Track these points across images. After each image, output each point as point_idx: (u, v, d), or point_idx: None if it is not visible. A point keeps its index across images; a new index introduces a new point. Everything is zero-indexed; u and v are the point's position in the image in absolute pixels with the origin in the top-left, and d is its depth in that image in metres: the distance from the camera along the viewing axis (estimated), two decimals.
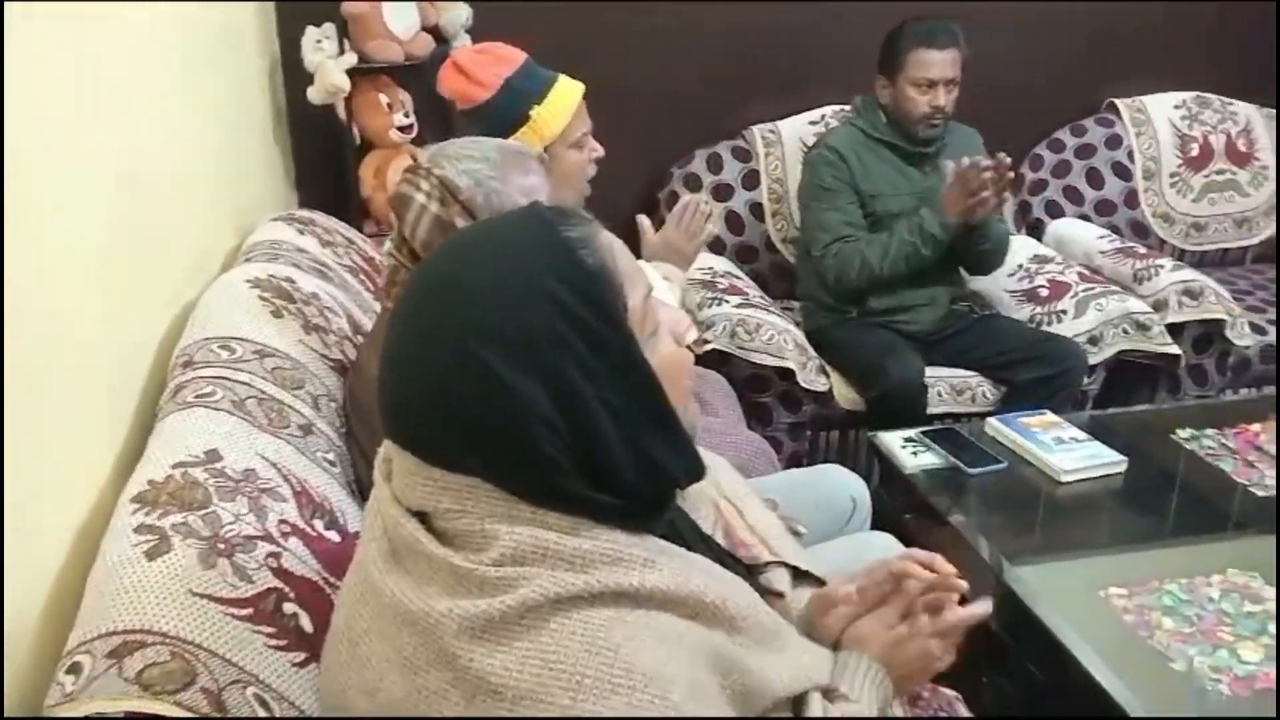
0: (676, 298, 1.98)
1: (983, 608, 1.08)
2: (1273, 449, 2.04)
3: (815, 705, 0.95)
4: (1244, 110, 3.41)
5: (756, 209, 3.06)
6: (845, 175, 2.60)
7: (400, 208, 1.44)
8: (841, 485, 1.85)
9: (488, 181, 1.44)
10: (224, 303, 1.53)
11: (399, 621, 0.81)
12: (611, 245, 0.88)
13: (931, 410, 2.57)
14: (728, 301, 2.58)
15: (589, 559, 0.82)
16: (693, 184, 3.05)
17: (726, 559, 1.09)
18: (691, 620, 0.85)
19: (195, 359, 1.36)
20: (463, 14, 2.76)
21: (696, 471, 0.93)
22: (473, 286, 0.82)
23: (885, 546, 1.65)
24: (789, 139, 3.06)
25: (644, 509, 0.90)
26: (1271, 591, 1.62)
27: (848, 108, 2.83)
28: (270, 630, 1.03)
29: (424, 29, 2.75)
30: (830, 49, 3.08)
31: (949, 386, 2.62)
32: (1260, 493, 1.93)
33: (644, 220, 1.98)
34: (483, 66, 1.84)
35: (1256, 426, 2.13)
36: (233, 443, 1.20)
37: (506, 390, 0.80)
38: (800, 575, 1.20)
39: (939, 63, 2.53)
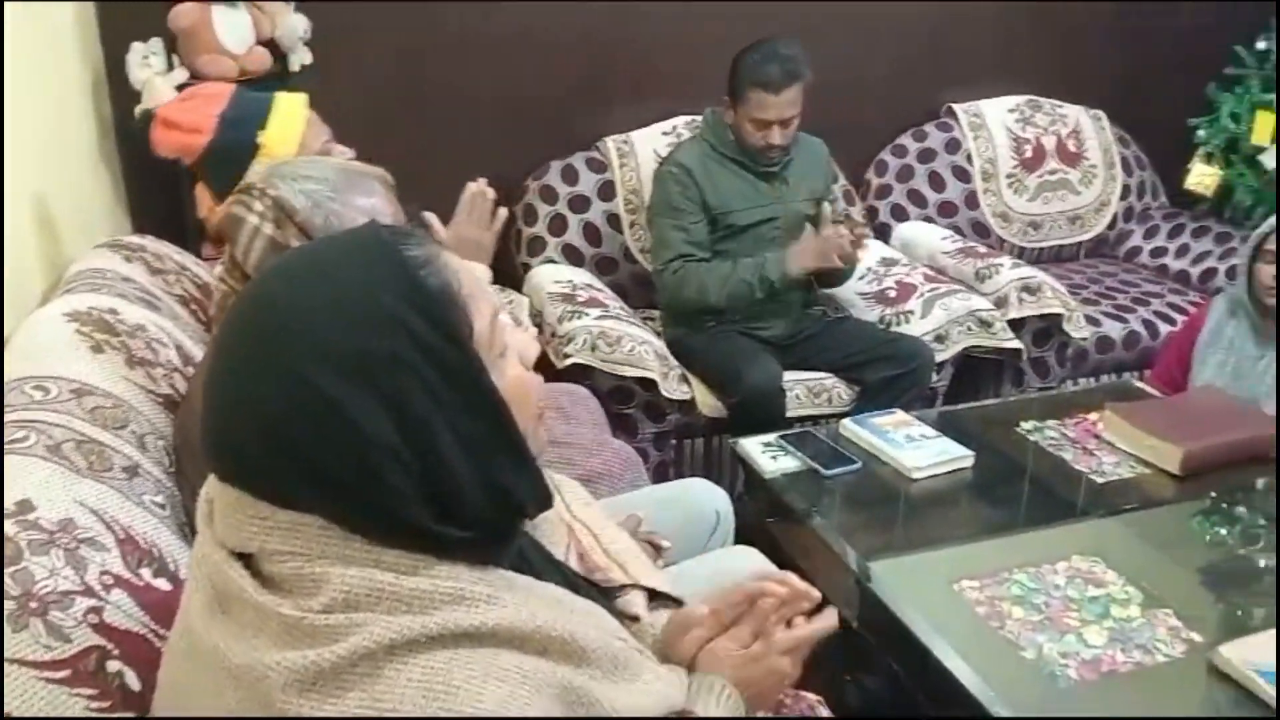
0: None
1: (827, 621, 1.09)
2: (1110, 438, 2.14)
3: None
4: (1073, 112, 3.59)
5: (614, 220, 3.06)
6: (693, 194, 2.62)
7: (231, 229, 1.37)
8: (705, 499, 1.86)
9: (326, 203, 1.39)
10: (39, 339, 1.42)
11: (224, 677, 0.76)
12: (455, 265, 0.85)
13: (791, 413, 2.61)
14: (588, 314, 2.57)
15: (428, 599, 0.79)
16: (548, 196, 3.03)
17: (581, 584, 1.07)
18: (539, 656, 0.83)
19: (6, 401, 1.26)
20: (299, 26, 2.66)
21: (545, 499, 0.91)
22: (305, 308, 0.78)
23: (748, 562, 1.66)
24: (642, 150, 3.07)
25: (491, 540, 0.87)
26: (1113, 575, 1.70)
27: (699, 118, 2.86)
28: (92, 691, 0.96)
29: (259, 42, 2.65)
30: (681, 59, 3.11)
31: (806, 389, 2.67)
32: (1099, 480, 2.02)
33: (430, 216, 1.91)
34: (191, 112, 1.76)
35: (1094, 416, 2.23)
36: (47, 491, 1.11)
37: (346, 418, 0.76)
38: (658, 596, 1.19)
39: (775, 105, 2.55)
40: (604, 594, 1.11)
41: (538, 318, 2.65)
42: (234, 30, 2.57)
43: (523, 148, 3.08)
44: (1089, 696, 1.44)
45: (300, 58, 2.72)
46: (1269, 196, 3.31)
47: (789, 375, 2.64)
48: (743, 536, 2.09)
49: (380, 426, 0.76)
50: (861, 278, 2.99)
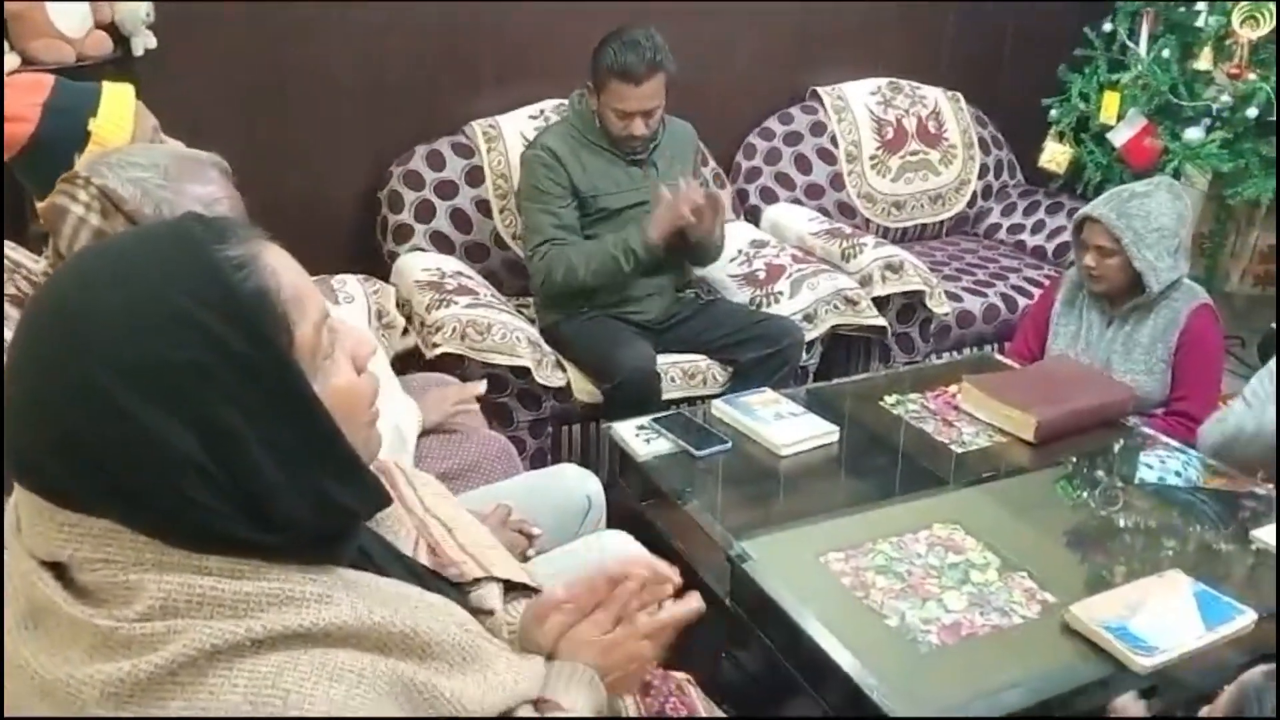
0: None
1: (690, 605, 1.09)
2: (968, 409, 2.21)
3: (524, 715, 0.92)
4: (932, 94, 3.69)
5: (483, 206, 3.01)
6: (561, 177, 2.59)
7: (55, 220, 1.30)
8: (576, 485, 1.85)
9: (156, 191, 1.32)
10: None
11: (37, 694, 0.72)
12: (276, 266, 0.80)
13: (667, 396, 2.62)
14: (456, 303, 2.52)
15: (253, 602, 0.75)
16: (414, 182, 2.96)
17: (430, 579, 1.04)
18: (378, 653, 0.80)
19: None
20: (142, 9, 2.53)
21: (376, 504, 0.88)
22: (101, 312, 0.73)
23: (619, 546, 1.65)
24: (510, 134, 3.03)
25: (322, 544, 0.84)
26: (972, 541, 1.75)
27: (567, 102, 2.83)
28: None
29: (99, 26, 2.51)
30: (549, 41, 3.09)
31: (681, 371, 2.68)
32: (959, 449, 2.08)
33: None
34: (13, 100, 1.67)
35: (953, 388, 2.30)
36: None
37: (143, 431, 0.71)
38: (517, 587, 1.17)
39: (636, 96, 2.53)
40: (457, 589, 1.08)
41: (405, 307, 2.59)
42: (69, 14, 2.42)
43: (386, 133, 3.01)
44: (949, 659, 1.49)
45: (144, 42, 2.59)
46: (1116, 172, 3.46)
47: (664, 358, 2.65)
48: (619, 520, 2.09)
49: (183, 441, 0.72)
50: (732, 260, 3.02)
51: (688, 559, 1.89)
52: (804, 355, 2.76)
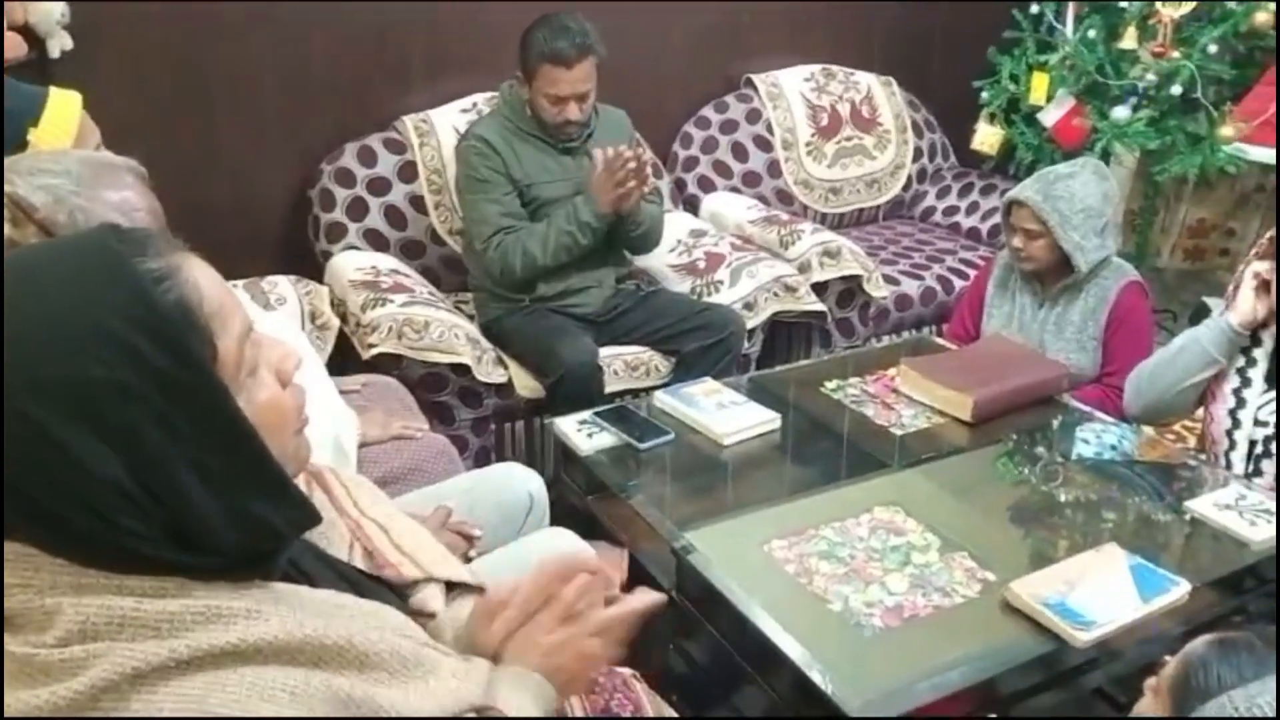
0: None
1: (640, 601, 1.08)
2: (907, 391, 2.23)
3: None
4: (865, 79, 3.72)
5: (418, 202, 2.97)
6: (498, 165, 2.56)
7: None
8: (518, 482, 1.84)
9: (70, 198, 1.27)
10: None
11: None
12: (197, 279, 0.78)
13: (611, 389, 2.62)
14: (392, 301, 2.48)
15: (178, 621, 0.73)
16: (345, 179, 2.91)
17: (366, 584, 1.02)
18: (312, 667, 0.78)
19: None
20: (56, 10, 2.46)
21: (306, 521, 0.86)
22: (15, 331, 0.70)
23: (562, 544, 1.64)
24: (443, 128, 2.99)
25: (250, 562, 0.82)
26: (913, 523, 1.77)
27: (497, 94, 2.80)
28: None
29: (12, 29, 2.43)
30: (479, 34, 3.05)
31: (624, 363, 2.67)
32: (898, 432, 2.10)
33: None
34: None
35: (891, 371, 2.32)
36: None
37: (60, 452, 0.69)
38: (459, 587, 1.16)
39: (568, 80, 2.52)
40: (395, 592, 1.06)
41: (340, 307, 2.55)
42: None
43: (315, 130, 2.95)
44: (893, 642, 1.50)
45: (60, 43, 2.52)
46: (1047, 152, 3.51)
47: (606, 351, 2.64)
48: (564, 516, 2.08)
49: (107, 465, 0.70)
50: (672, 250, 3.02)
51: (633, 552, 1.89)
52: (746, 343, 2.76)
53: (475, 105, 3.03)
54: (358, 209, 2.90)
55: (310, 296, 2.45)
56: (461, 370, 2.45)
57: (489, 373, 2.48)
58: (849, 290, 2.98)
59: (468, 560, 1.62)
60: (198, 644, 0.72)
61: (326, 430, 1.80)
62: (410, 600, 1.08)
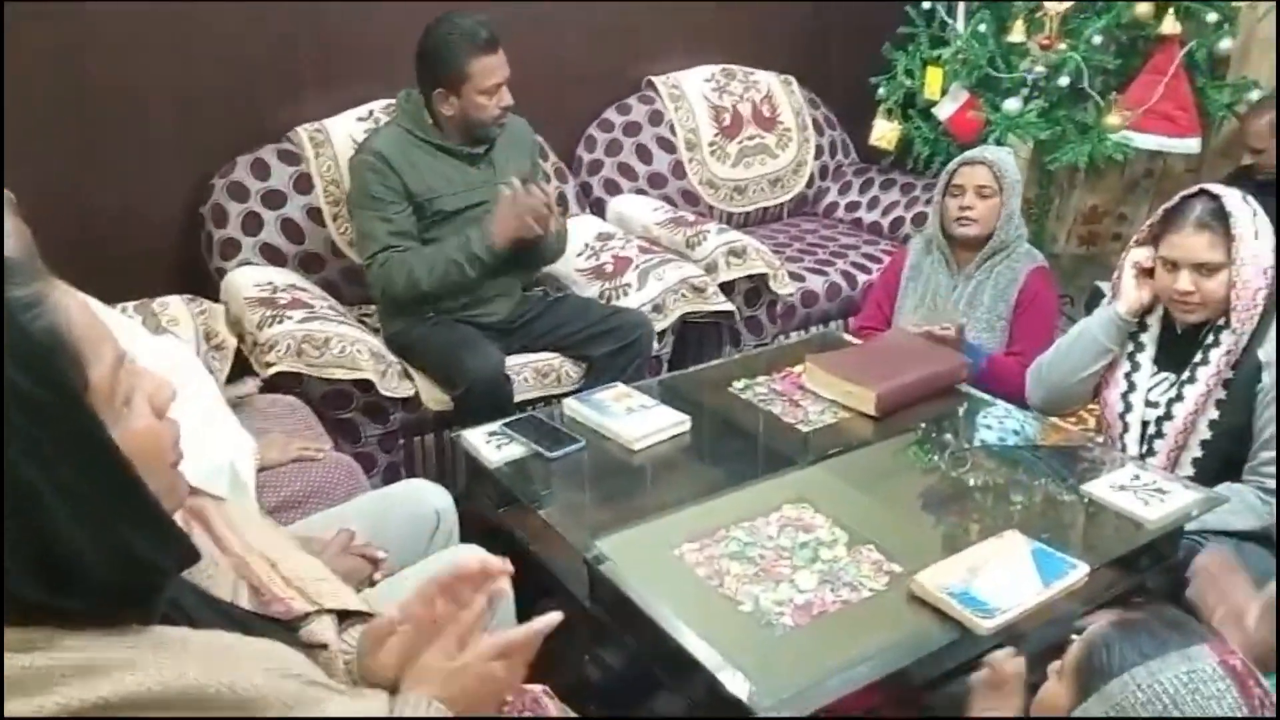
0: None
1: (544, 622, 1.06)
2: (813, 387, 2.25)
3: None
4: (764, 79, 3.75)
5: (315, 214, 2.90)
6: (394, 182, 2.50)
7: None
8: (423, 499, 1.81)
9: None
10: None
11: None
12: (68, 307, 0.75)
13: (521, 397, 2.59)
14: (290, 318, 2.42)
15: (47, 677, 0.69)
16: (238, 193, 2.83)
17: (254, 623, 0.98)
18: (194, 717, 0.75)
19: None
20: None
21: (183, 558, 0.82)
22: None
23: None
24: (339, 137, 2.92)
25: (125, 604, 0.78)
26: (821, 518, 1.78)
27: (395, 102, 2.75)
28: None
29: None
30: (375, 40, 2.99)
31: (534, 371, 2.65)
32: (805, 429, 2.12)
33: None
34: None
35: (798, 369, 2.33)
36: None
37: None
38: (355, 616, 1.12)
39: (499, 64, 2.50)
40: (285, 628, 1.03)
41: (237, 326, 2.47)
42: None
43: (205, 144, 2.86)
44: (803, 640, 1.50)
45: None
46: (944, 146, 3.58)
47: (515, 359, 2.61)
48: (477, 531, 2.05)
49: None
50: (579, 254, 3.00)
51: (546, 563, 1.86)
52: (656, 346, 2.76)
53: (372, 113, 2.98)
54: (252, 224, 2.82)
55: (205, 316, 2.37)
56: (365, 386, 2.40)
57: (394, 387, 2.43)
58: (756, 289, 2.99)
59: (372, 584, 1.59)
60: (69, 700, 0.69)
61: (221, 456, 1.74)
62: (301, 633, 1.05)
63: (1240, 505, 1.89)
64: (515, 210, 2.47)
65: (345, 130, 2.93)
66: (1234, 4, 3.38)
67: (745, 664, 1.44)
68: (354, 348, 2.38)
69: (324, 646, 1.04)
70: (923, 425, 2.13)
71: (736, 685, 1.38)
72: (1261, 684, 0.98)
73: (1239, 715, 0.95)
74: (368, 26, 2.98)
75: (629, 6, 3.46)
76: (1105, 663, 1.01)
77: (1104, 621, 1.07)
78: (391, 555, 1.63)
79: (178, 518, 0.88)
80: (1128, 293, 2.05)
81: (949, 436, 2.11)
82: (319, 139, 2.93)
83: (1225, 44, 3.38)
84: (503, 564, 1.03)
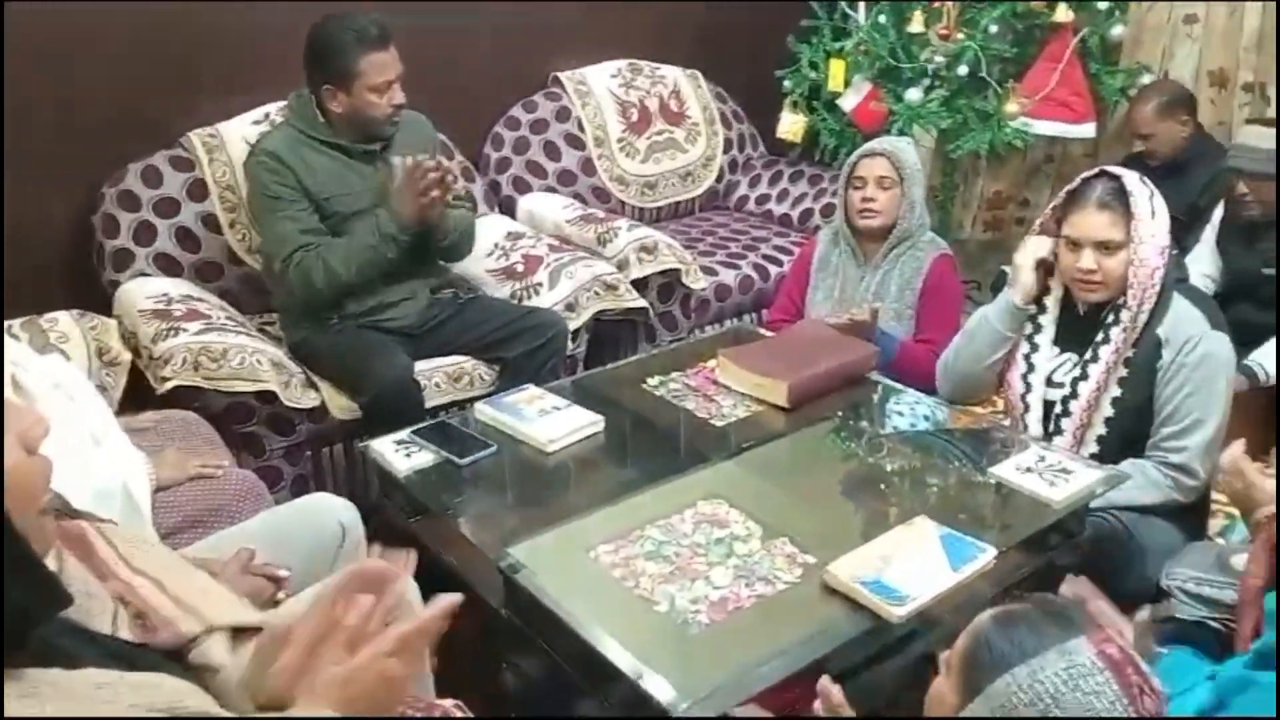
0: None
1: (437, 607, 1.01)
2: (725, 381, 2.24)
3: None
4: (671, 73, 3.74)
5: (211, 221, 2.81)
6: (290, 179, 2.43)
7: None
8: (327, 513, 1.76)
9: None
10: None
11: None
12: None
13: (435, 402, 2.54)
14: (186, 330, 2.33)
15: None
16: (129, 203, 2.72)
17: (139, 654, 0.93)
18: None
19: None
20: None
21: (55, 602, 0.78)
22: None
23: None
24: (233, 142, 2.83)
25: None
26: (735, 513, 1.77)
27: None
28: None
29: None
30: (267, 42, 2.89)
31: (445, 375, 2.60)
32: (719, 423, 2.11)
33: None
34: None
35: (711, 363, 2.33)
36: None
37: None
38: (250, 632, 1.08)
39: (392, 61, 2.44)
40: (174, 654, 0.98)
41: (132, 340, 2.38)
42: None
43: (93, 152, 2.74)
44: (719, 637, 1.49)
45: None
46: (849, 136, 3.62)
47: (426, 363, 2.56)
48: (388, 542, 2.00)
49: None
50: (489, 254, 2.96)
51: (461, 572, 1.83)
52: (570, 345, 2.73)
53: (268, 116, 2.89)
54: (145, 233, 2.72)
55: (96, 331, 2.27)
56: (268, 397, 2.33)
57: (299, 397, 2.37)
58: (669, 284, 2.98)
59: (275, 604, 1.53)
60: None
61: (111, 478, 1.67)
62: (191, 656, 1.00)
63: (1145, 480, 1.94)
64: (411, 180, 2.41)
65: (240, 134, 2.84)
66: None
67: (662, 665, 1.42)
68: (254, 358, 2.30)
69: (216, 670, 0.99)
70: (835, 415, 2.14)
71: (654, 687, 1.37)
72: (1140, 670, 0.99)
73: (1120, 705, 0.95)
74: (262, 28, 2.89)
75: (532, 4, 3.42)
76: (987, 659, 1.01)
77: (986, 615, 1.07)
78: (295, 573, 1.58)
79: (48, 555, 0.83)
80: (1024, 281, 2.09)
81: (861, 425, 2.12)
82: (213, 144, 2.83)
83: (1117, 30, 3.47)
84: (399, 567, 1.00)
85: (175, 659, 0.99)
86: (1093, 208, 1.96)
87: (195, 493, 1.89)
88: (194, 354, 2.24)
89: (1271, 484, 1.66)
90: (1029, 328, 2.12)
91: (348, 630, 0.96)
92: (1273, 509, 1.29)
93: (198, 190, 2.80)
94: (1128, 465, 1.96)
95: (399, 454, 2.01)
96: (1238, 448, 1.73)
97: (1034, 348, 2.11)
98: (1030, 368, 2.10)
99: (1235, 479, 1.70)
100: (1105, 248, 1.94)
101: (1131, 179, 1.96)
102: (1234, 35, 3.42)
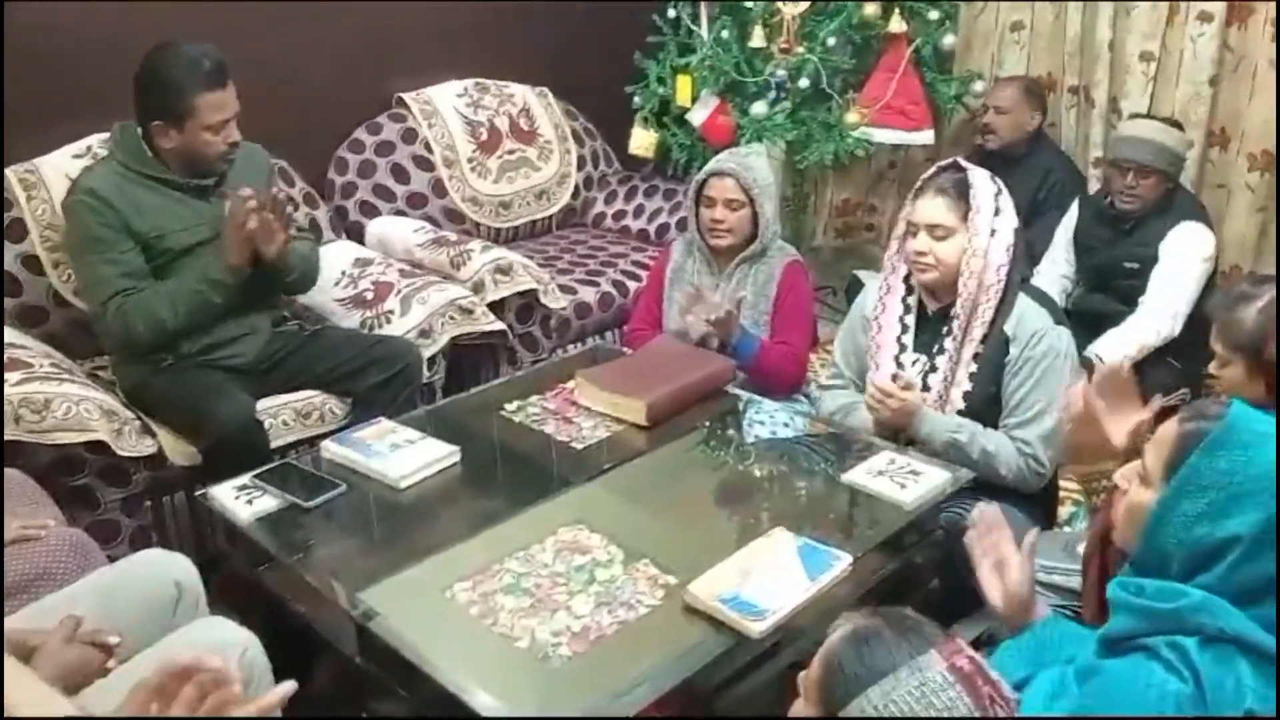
0: None
1: (275, 694, 0.96)
2: (584, 403, 2.21)
3: None
4: (520, 91, 3.69)
5: (31, 262, 2.62)
6: (113, 220, 2.28)
7: None
8: (161, 571, 1.65)
9: None
10: None
11: None
12: None
13: (282, 441, 2.43)
14: (5, 380, 2.16)
15: None
16: None
17: None
18: None
19: None
20: None
21: None
22: None
23: (219, 635, 1.48)
24: (53, 178, 2.65)
25: None
26: (596, 538, 1.74)
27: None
28: None
29: None
30: (89, 70, 2.72)
31: (293, 412, 2.49)
32: (579, 446, 2.08)
33: None
34: None
35: (570, 384, 2.29)
36: None
37: None
38: None
39: (228, 100, 2.31)
40: None
41: None
42: None
43: None
44: (582, 669, 1.46)
45: None
46: (700, 151, 3.65)
47: (271, 401, 2.45)
48: (236, 593, 1.90)
49: None
50: (336, 283, 2.86)
51: (313, 623, 1.74)
52: (426, 373, 2.65)
53: (90, 149, 2.71)
54: None
55: None
56: (99, 447, 2.17)
57: (133, 445, 2.22)
58: (527, 305, 2.94)
59: (105, 673, 1.42)
60: None
61: None
62: None
63: (1006, 454, 2.01)
64: (235, 221, 2.30)
65: (60, 169, 2.66)
66: (953, 2, 3.62)
67: (524, 703, 1.39)
68: (81, 406, 2.15)
69: None
70: (695, 429, 2.13)
71: None
72: (990, 679, 0.99)
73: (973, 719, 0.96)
74: (87, 56, 2.71)
75: (372, 23, 3.33)
76: (841, 682, 1.00)
77: (837, 636, 1.06)
78: (127, 638, 1.47)
79: None
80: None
81: (720, 439, 2.12)
82: (30, 180, 2.65)
83: (948, 40, 3.60)
84: (219, 667, 0.93)
85: None
86: (931, 193, 2.05)
87: (17, 557, 1.74)
88: (14, 406, 2.08)
89: (1122, 435, 1.71)
90: (897, 328, 2.16)
91: (182, 705, 0.90)
92: (1121, 481, 1.32)
93: (16, 230, 2.61)
94: (993, 434, 2.03)
95: (240, 500, 1.90)
96: (1078, 392, 1.78)
97: (902, 348, 2.16)
98: (900, 367, 2.15)
99: (1085, 429, 1.73)
100: (937, 231, 2.02)
101: (978, 174, 2.04)
102: (1058, 40, 3.59)
